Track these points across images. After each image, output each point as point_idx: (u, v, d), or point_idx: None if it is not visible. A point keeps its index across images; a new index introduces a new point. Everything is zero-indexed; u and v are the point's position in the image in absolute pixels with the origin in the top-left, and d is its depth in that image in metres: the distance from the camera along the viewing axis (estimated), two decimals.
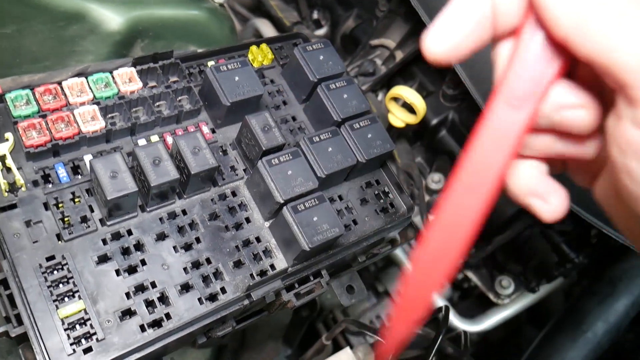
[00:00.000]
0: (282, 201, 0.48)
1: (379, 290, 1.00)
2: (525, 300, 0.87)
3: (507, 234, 0.75)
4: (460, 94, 0.81)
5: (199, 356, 0.71)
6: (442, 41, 0.25)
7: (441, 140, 0.84)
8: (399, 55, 0.81)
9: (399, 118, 0.74)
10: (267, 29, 0.98)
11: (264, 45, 0.60)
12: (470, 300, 1.00)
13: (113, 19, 0.61)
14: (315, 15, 0.97)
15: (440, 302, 0.86)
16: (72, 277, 0.43)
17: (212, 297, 0.47)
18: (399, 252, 0.88)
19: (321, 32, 0.96)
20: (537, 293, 0.88)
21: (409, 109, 0.74)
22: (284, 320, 0.78)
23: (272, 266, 0.50)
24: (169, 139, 0.51)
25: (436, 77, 0.85)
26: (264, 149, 0.50)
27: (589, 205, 0.61)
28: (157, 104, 0.52)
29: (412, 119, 0.74)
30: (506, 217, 0.75)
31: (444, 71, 0.82)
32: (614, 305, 0.80)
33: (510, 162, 0.26)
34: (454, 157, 0.84)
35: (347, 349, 0.65)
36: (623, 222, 0.29)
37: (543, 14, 0.23)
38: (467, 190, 0.27)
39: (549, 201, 0.28)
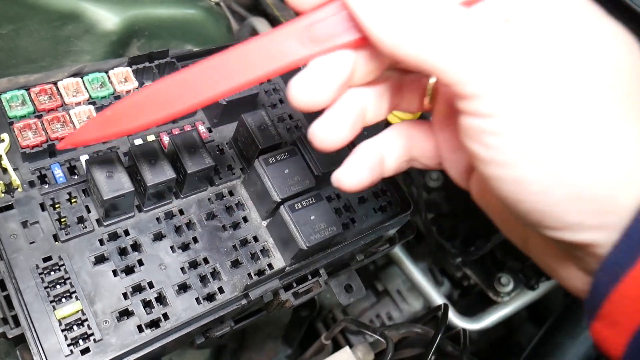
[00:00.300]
0: (279, 200, 0.48)
1: (379, 289, 1.00)
2: (525, 297, 0.87)
3: None
4: None
5: (197, 356, 0.71)
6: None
7: None
8: None
9: (395, 115, 0.74)
10: (264, 28, 0.98)
11: None
12: (470, 298, 1.00)
13: (109, 19, 0.60)
14: None
15: (439, 300, 0.86)
16: (69, 278, 0.43)
17: (210, 297, 0.47)
18: (398, 251, 0.88)
19: None
20: (536, 290, 0.88)
21: None
22: (283, 319, 0.78)
23: (270, 265, 0.50)
24: (166, 139, 0.51)
25: None
26: (260, 147, 0.49)
27: None
28: None
29: (409, 116, 0.74)
30: None
31: None
32: None
33: (256, 80, 0.29)
34: None
35: (347, 349, 0.65)
36: (497, 215, 0.34)
37: (369, 35, 0.27)
38: (216, 71, 0.30)
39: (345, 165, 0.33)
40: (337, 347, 0.83)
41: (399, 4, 0.25)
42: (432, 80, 0.32)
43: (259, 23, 0.99)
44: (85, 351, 0.41)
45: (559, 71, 0.25)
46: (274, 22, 0.99)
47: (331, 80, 0.28)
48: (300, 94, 0.29)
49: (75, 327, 0.42)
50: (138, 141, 0.50)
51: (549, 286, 0.91)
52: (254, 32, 1.00)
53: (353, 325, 0.64)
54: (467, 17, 0.25)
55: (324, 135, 0.30)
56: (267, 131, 0.50)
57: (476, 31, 0.25)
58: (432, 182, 0.87)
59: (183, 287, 0.46)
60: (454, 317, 0.84)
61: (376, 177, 0.34)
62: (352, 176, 0.33)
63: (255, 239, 0.50)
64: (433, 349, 0.58)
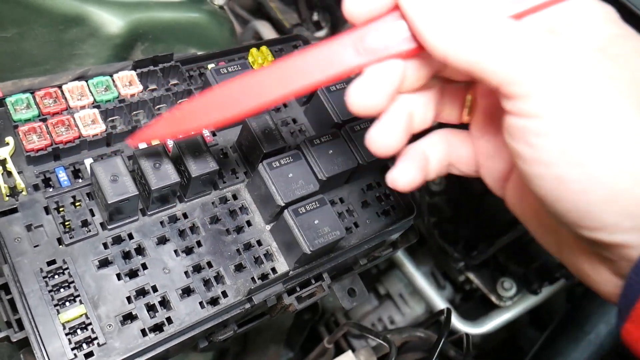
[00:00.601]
0: (283, 204, 0.48)
1: (381, 293, 1.00)
2: (528, 302, 0.87)
3: (508, 235, 0.75)
4: None
5: (200, 359, 0.71)
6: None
7: None
8: None
9: None
10: (267, 31, 0.98)
11: (264, 48, 0.60)
12: (473, 303, 1.00)
13: (113, 22, 0.60)
14: (315, 17, 0.97)
15: (441, 305, 0.86)
16: (73, 282, 0.43)
17: (214, 301, 0.47)
18: (400, 255, 0.88)
19: (321, 33, 0.96)
20: (539, 295, 0.88)
21: None
22: (286, 323, 0.77)
23: (274, 269, 0.50)
24: (170, 143, 0.51)
25: None
26: (264, 151, 0.49)
27: None
28: (158, 106, 0.52)
29: None
30: (508, 218, 0.75)
31: None
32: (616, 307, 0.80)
33: (314, 85, 0.32)
34: None
35: (349, 352, 0.65)
36: (531, 220, 0.35)
37: (422, 40, 0.29)
38: (277, 76, 0.33)
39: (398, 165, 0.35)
40: (339, 351, 0.83)
41: (453, 14, 0.28)
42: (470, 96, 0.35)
43: (262, 26, 1.00)
44: (89, 355, 0.41)
45: (602, 79, 0.27)
46: (277, 25, 1.00)
47: (385, 86, 0.31)
48: (358, 99, 0.31)
49: (79, 331, 0.42)
50: (142, 145, 0.50)
51: (552, 291, 0.91)
52: (257, 35, 1.00)
53: (355, 329, 0.64)
54: (516, 25, 0.28)
55: (382, 140, 0.33)
56: (271, 135, 0.50)
57: (525, 37, 0.27)
58: (434, 186, 0.87)
59: (187, 291, 0.46)
60: (456, 322, 0.84)
61: (424, 179, 0.36)
62: (405, 176, 0.35)
63: (259, 243, 0.50)
64: (436, 354, 0.58)
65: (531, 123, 0.27)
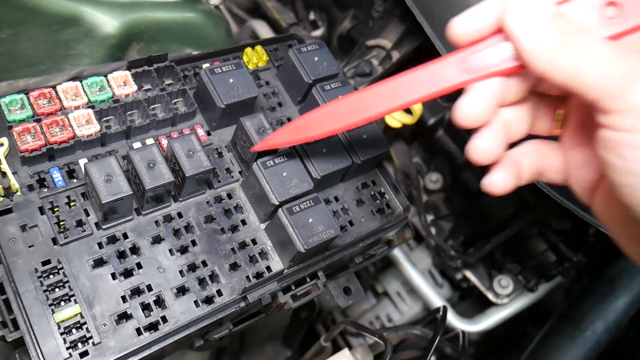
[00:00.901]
0: (277, 203, 0.48)
1: (378, 291, 1.00)
2: (525, 299, 0.87)
3: (505, 233, 0.75)
4: (457, 93, 0.81)
5: (197, 359, 0.71)
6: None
7: (438, 140, 0.84)
8: (396, 55, 0.81)
9: (395, 118, 0.74)
10: (264, 31, 0.98)
11: (258, 47, 0.60)
12: (470, 301, 1.00)
13: (108, 23, 0.61)
14: (311, 16, 0.97)
15: (439, 302, 0.86)
16: (67, 281, 0.43)
17: (209, 300, 0.47)
18: (397, 253, 0.88)
19: (318, 33, 0.96)
20: (536, 292, 0.88)
21: (406, 109, 0.74)
22: (283, 322, 0.78)
23: (268, 268, 0.50)
24: (164, 142, 0.51)
25: None
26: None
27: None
28: (152, 107, 0.52)
29: (408, 119, 0.74)
30: (504, 216, 0.75)
31: None
32: (613, 304, 0.80)
33: (422, 99, 0.36)
34: (451, 157, 0.84)
35: (346, 350, 0.65)
36: (618, 229, 0.37)
37: (527, 59, 0.32)
38: (389, 92, 0.37)
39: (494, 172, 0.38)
40: (337, 349, 0.83)
41: (556, 35, 0.31)
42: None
43: (259, 26, 1.00)
44: (84, 354, 0.41)
45: None
46: (273, 24, 1.00)
47: (489, 101, 0.34)
48: (464, 114, 0.35)
49: (74, 330, 0.42)
50: (137, 145, 0.51)
51: (549, 288, 0.91)
52: (254, 35, 1.00)
53: (352, 327, 0.64)
54: (614, 45, 0.30)
55: (483, 149, 0.36)
56: (265, 134, 0.51)
57: (622, 56, 0.30)
58: (431, 184, 0.87)
59: (182, 290, 0.46)
60: (453, 319, 0.84)
61: (516, 185, 0.39)
62: (501, 182, 0.38)
63: (254, 241, 0.50)
64: (432, 351, 0.59)
65: (626, 137, 0.29)
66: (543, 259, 0.76)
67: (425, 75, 0.36)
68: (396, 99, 0.37)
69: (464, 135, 0.82)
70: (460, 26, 0.35)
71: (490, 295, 0.83)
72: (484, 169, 0.85)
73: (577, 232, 0.77)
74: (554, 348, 0.77)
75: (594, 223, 0.62)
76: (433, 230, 0.86)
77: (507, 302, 0.84)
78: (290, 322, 0.84)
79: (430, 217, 0.87)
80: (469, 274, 0.84)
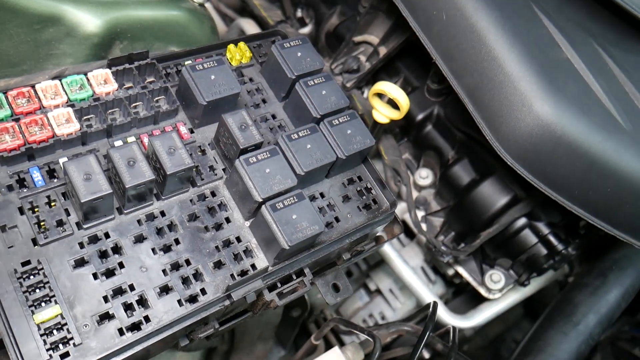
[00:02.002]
0: (260, 200, 0.48)
1: (371, 288, 1.00)
2: (517, 294, 0.87)
3: (494, 227, 0.75)
4: (445, 89, 0.80)
5: (187, 359, 0.70)
6: None
7: (427, 136, 0.84)
8: (383, 51, 0.80)
9: (383, 114, 0.74)
10: (252, 29, 0.98)
11: (242, 44, 0.59)
12: (463, 297, 1.00)
13: (90, 21, 0.60)
14: (299, 14, 0.97)
15: (431, 299, 0.86)
16: (48, 282, 0.42)
17: (192, 299, 0.46)
18: (388, 250, 0.88)
19: (305, 30, 0.96)
20: (530, 286, 0.88)
21: (393, 104, 0.74)
22: (274, 320, 0.77)
23: (253, 266, 0.49)
24: (147, 140, 0.51)
25: (420, 72, 0.85)
26: (241, 147, 0.49)
27: (574, 196, 0.61)
28: (134, 105, 0.52)
29: (396, 115, 0.74)
30: (494, 210, 0.75)
31: (428, 66, 0.82)
32: (605, 297, 0.80)
33: None
34: (441, 152, 0.83)
35: (336, 348, 0.65)
36: None
37: None
38: None
39: None
40: (329, 347, 0.82)
41: None
42: None
43: (247, 24, 0.99)
44: (65, 355, 0.41)
45: None
46: (261, 22, 0.99)
47: None
48: None
49: (54, 332, 0.41)
50: (118, 143, 0.50)
51: (542, 282, 0.91)
52: (242, 33, 1.00)
53: (341, 324, 0.63)
54: None
55: None
56: (248, 131, 0.50)
57: None
58: (421, 180, 0.86)
59: (165, 289, 0.46)
60: (446, 315, 0.84)
61: None
62: None
63: (238, 239, 0.50)
64: (421, 347, 0.58)
65: None
66: (533, 253, 0.75)
67: None
68: None
69: (452, 130, 0.81)
70: None
71: (482, 291, 0.83)
72: (474, 164, 0.84)
73: (568, 225, 0.77)
74: (547, 342, 0.76)
75: (584, 216, 0.62)
76: (424, 227, 0.85)
77: (499, 297, 0.84)
78: (282, 322, 0.84)
79: (421, 214, 0.86)
80: (460, 270, 0.84)
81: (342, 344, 0.95)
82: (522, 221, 0.76)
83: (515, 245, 0.77)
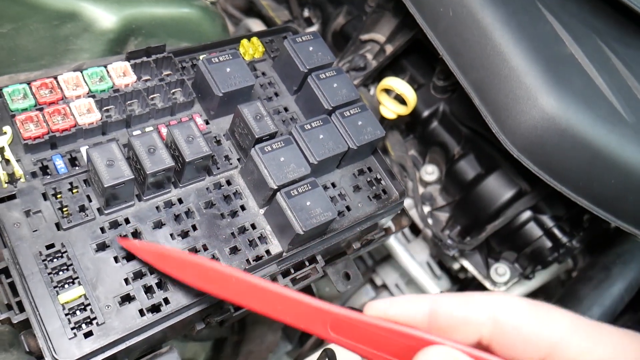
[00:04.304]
0: (275, 187, 0.49)
1: (377, 283, 1.01)
2: (523, 287, 0.88)
3: (499, 220, 0.76)
4: (451, 85, 0.82)
5: (199, 349, 0.72)
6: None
7: (433, 132, 0.86)
8: (389, 49, 0.82)
9: (390, 109, 0.76)
10: (260, 29, 0.99)
11: (254, 39, 0.61)
12: (469, 290, 1.01)
13: (107, 18, 0.62)
14: (306, 14, 0.99)
15: (437, 292, 0.87)
16: (71, 264, 0.44)
17: None
18: (395, 245, 0.89)
19: (312, 29, 0.97)
20: (535, 281, 0.89)
21: (400, 100, 0.76)
22: None
23: (268, 252, 0.51)
24: (164, 131, 0.52)
25: (426, 69, 0.86)
26: (256, 137, 0.51)
27: (579, 187, 0.62)
28: (152, 96, 0.53)
29: (403, 110, 0.75)
30: (499, 204, 0.76)
31: (434, 63, 0.84)
32: (608, 290, 0.81)
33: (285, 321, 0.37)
34: (446, 148, 0.85)
35: None
36: None
37: None
38: (260, 294, 0.38)
39: None
40: None
41: None
42: None
43: (254, 24, 1.01)
44: (88, 334, 0.42)
45: None
46: (269, 23, 1.01)
47: None
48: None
49: (78, 312, 0.43)
50: (137, 132, 0.52)
51: (546, 277, 0.92)
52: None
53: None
54: None
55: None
56: (262, 121, 0.52)
57: None
58: (427, 175, 0.88)
59: None
60: None
61: None
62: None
63: (253, 226, 0.51)
64: None
65: None
66: (538, 246, 0.77)
67: (300, 309, 0.36)
68: (259, 303, 0.37)
69: (458, 126, 0.83)
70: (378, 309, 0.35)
71: (487, 284, 0.84)
72: (479, 159, 0.85)
73: (572, 219, 0.78)
74: None
75: (589, 207, 0.63)
76: (430, 221, 0.87)
77: (504, 291, 0.85)
78: None
79: (427, 209, 0.88)
80: (466, 264, 0.85)
81: None
82: (527, 214, 0.77)
83: (520, 238, 0.78)
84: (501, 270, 0.83)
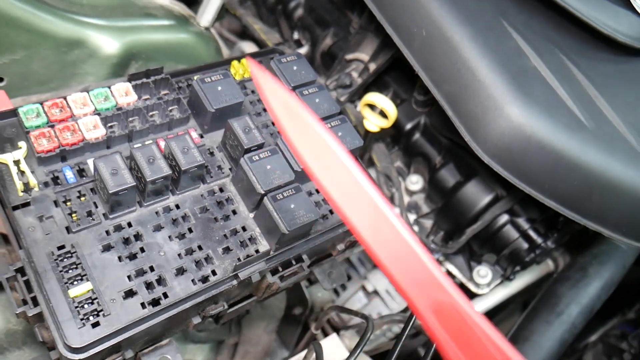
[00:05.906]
0: (262, 192, 0.55)
1: (369, 290, 1.06)
2: (507, 288, 0.93)
3: (478, 224, 0.81)
4: (430, 99, 0.88)
5: (198, 351, 0.76)
6: None
7: (416, 143, 0.91)
8: (372, 67, 0.88)
9: (373, 123, 0.81)
10: (252, 51, 1.06)
11: (244, 60, 0.67)
12: None
13: (110, 44, 0.68)
14: (296, 36, 1.05)
15: None
16: (80, 263, 0.49)
17: (204, 279, 0.53)
18: None
19: (302, 50, 1.04)
20: (516, 283, 0.93)
21: (383, 114, 0.81)
22: (277, 314, 0.83)
23: (257, 251, 0.56)
24: (162, 144, 0.58)
25: (408, 85, 0.92)
26: (245, 147, 0.56)
27: (545, 189, 0.67)
28: (151, 113, 0.59)
29: (385, 123, 0.81)
30: (477, 208, 0.82)
31: (414, 79, 0.90)
32: (585, 289, 0.86)
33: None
34: (428, 158, 0.90)
35: (334, 335, 0.71)
36: None
37: None
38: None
39: None
40: None
41: None
42: None
43: (247, 47, 1.08)
44: (95, 324, 0.47)
45: None
46: (261, 45, 1.08)
47: None
48: None
49: (86, 305, 0.48)
50: (137, 146, 0.57)
51: (528, 280, 0.96)
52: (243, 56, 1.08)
53: (338, 310, 0.69)
54: None
55: None
56: (251, 133, 0.57)
57: None
58: (412, 185, 0.93)
59: (180, 271, 0.52)
60: None
61: None
62: None
63: (244, 228, 0.57)
64: (405, 334, 0.63)
65: None
66: (516, 247, 0.81)
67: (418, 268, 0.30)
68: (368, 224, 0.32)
69: (438, 137, 0.89)
70: None
71: (471, 286, 0.89)
72: (458, 168, 0.90)
73: (547, 221, 0.83)
74: (532, 331, 0.82)
75: (556, 208, 0.68)
76: (416, 229, 0.92)
77: (487, 292, 0.89)
78: (285, 320, 0.90)
79: (412, 217, 0.93)
80: (450, 267, 0.90)
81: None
82: (504, 218, 0.82)
83: (498, 241, 0.83)
84: (483, 272, 0.88)
